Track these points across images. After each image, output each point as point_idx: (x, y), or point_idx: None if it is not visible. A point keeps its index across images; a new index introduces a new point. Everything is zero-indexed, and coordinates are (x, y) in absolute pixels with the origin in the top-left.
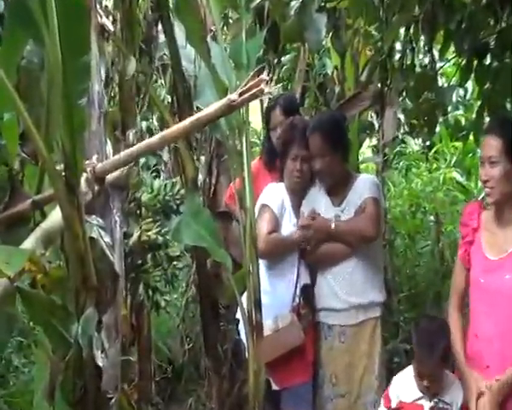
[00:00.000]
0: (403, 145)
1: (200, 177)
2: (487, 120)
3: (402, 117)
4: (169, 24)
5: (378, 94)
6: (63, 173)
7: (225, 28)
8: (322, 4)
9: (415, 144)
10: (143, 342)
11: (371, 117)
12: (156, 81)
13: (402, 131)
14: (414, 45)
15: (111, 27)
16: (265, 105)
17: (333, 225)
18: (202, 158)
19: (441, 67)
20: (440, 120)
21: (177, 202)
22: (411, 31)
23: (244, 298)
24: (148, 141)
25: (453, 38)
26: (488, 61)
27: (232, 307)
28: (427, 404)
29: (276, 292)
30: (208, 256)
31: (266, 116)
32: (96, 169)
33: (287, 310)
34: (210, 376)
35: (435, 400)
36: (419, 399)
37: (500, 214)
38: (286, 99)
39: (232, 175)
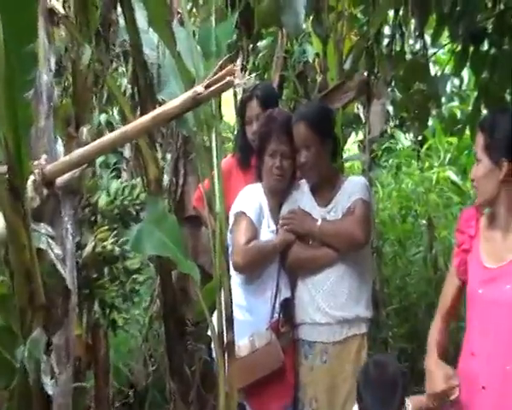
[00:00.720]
0: (392, 141)
1: (166, 177)
2: (485, 112)
3: (391, 109)
4: (129, 5)
5: (364, 84)
6: (6, 176)
7: (195, 10)
8: None
9: (405, 140)
10: (101, 364)
11: (357, 109)
12: (117, 69)
13: (391, 125)
14: (404, 30)
15: (62, 10)
16: (240, 96)
17: (318, 224)
18: (168, 156)
19: (434, 53)
20: (433, 112)
21: (138, 207)
22: (401, 13)
23: (215, 314)
24: (104, 139)
25: (447, 21)
26: (485, 47)
27: (202, 323)
28: None
29: (252, 307)
30: (173, 267)
31: (241, 108)
32: (44, 171)
33: (264, 327)
34: (176, 401)
35: None
36: None
37: (496, 219)
38: (263, 89)
39: (201, 175)
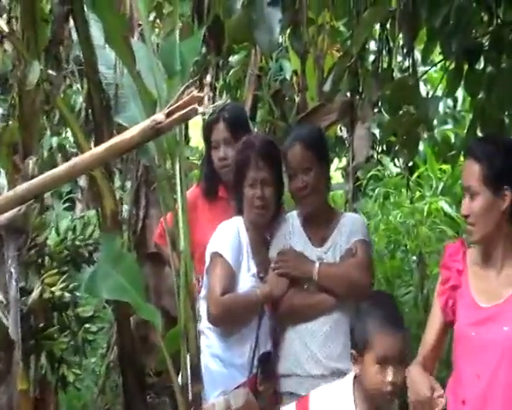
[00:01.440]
0: (379, 168)
1: (126, 208)
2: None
3: (377, 133)
4: (83, 19)
5: (347, 105)
6: None
7: (158, 21)
8: None
9: (393, 167)
10: None
11: (340, 132)
12: (71, 86)
13: (377, 150)
14: (391, 45)
15: (5, 29)
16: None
17: (316, 266)
18: (129, 184)
19: (425, 72)
20: (424, 136)
21: (91, 247)
22: (388, 27)
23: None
24: (52, 172)
25: (438, 36)
26: (482, 65)
27: (165, 373)
28: None
29: (227, 358)
30: (132, 312)
31: (207, 132)
32: None
33: (240, 380)
34: None
35: None
36: None
37: (488, 254)
38: (231, 111)
39: (163, 208)
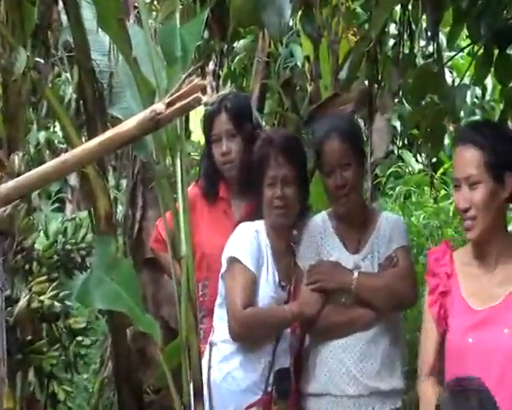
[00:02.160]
0: (399, 164)
1: (121, 209)
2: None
3: (398, 126)
4: (73, 0)
5: (365, 95)
6: None
7: (156, 3)
8: None
9: (416, 163)
10: None
11: None
12: (60, 76)
13: (398, 144)
14: (413, 29)
15: None
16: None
17: (355, 277)
18: (124, 182)
19: (451, 58)
20: (450, 129)
21: (83, 252)
22: (410, 9)
23: None
24: (40, 169)
25: (466, 18)
26: None
27: (165, 390)
28: None
29: (241, 374)
30: (129, 324)
31: (207, 124)
32: None
33: (253, 399)
34: None
35: None
36: None
37: (481, 251)
38: (234, 100)
39: (162, 209)
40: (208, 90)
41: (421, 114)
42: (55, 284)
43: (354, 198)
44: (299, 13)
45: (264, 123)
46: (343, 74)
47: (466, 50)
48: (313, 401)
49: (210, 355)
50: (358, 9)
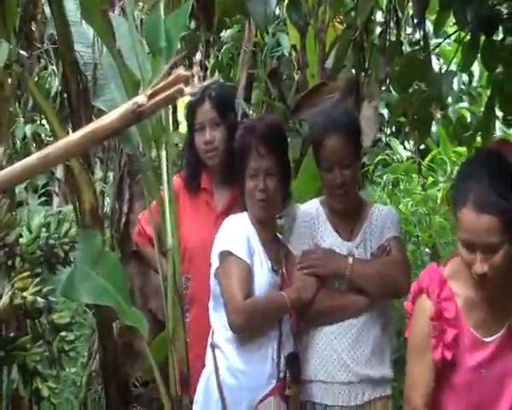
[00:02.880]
0: (387, 152)
1: (108, 201)
2: (500, 115)
3: (385, 114)
4: None
5: (352, 83)
6: None
7: None
8: None
9: (403, 150)
10: None
11: None
12: (46, 68)
13: (386, 132)
14: (400, 16)
15: None
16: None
17: (349, 262)
18: (111, 175)
19: (437, 45)
20: (437, 116)
21: (67, 246)
22: None
23: None
24: (23, 163)
25: (452, 5)
26: (500, 36)
27: (152, 383)
28: None
29: (249, 368)
30: (115, 317)
31: (189, 113)
32: None
33: (266, 390)
34: None
35: None
36: None
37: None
38: (217, 89)
39: (148, 202)
40: (196, 80)
41: (409, 102)
42: (38, 280)
43: (351, 195)
44: (286, 1)
45: (251, 112)
46: (330, 63)
47: (453, 37)
48: (304, 387)
49: (214, 357)
50: None
